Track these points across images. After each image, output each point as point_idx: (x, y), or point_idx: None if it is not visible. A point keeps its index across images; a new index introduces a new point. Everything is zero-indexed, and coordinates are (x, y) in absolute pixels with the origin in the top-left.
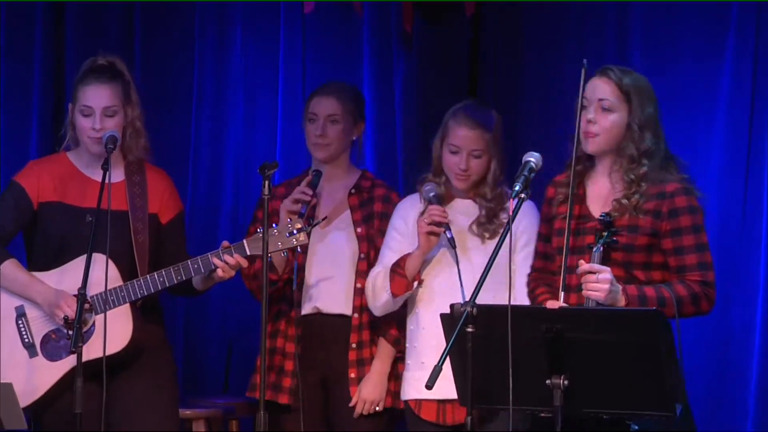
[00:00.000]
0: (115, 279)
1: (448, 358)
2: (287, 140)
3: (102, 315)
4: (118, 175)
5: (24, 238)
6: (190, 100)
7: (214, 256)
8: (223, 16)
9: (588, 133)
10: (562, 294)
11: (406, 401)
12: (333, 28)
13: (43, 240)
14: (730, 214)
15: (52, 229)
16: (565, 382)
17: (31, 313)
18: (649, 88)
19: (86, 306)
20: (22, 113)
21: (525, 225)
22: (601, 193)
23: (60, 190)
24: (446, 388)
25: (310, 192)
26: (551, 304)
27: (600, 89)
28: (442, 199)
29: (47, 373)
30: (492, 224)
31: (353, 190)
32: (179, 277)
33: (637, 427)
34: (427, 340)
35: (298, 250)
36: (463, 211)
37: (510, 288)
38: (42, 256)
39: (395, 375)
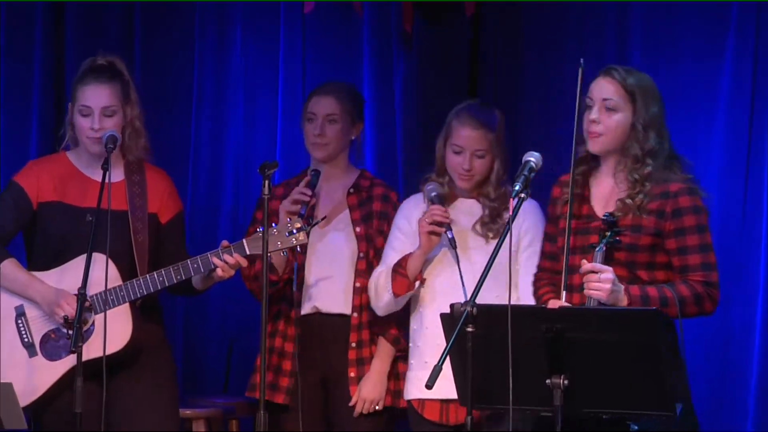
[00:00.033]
0: (115, 279)
1: (448, 358)
2: (287, 140)
3: (101, 314)
4: (117, 174)
5: (24, 238)
6: (190, 100)
7: (214, 256)
8: (223, 16)
9: (592, 132)
10: (564, 293)
11: (409, 401)
12: (333, 28)
13: (43, 240)
14: (730, 214)
15: (51, 229)
16: (565, 382)
17: (31, 312)
18: (654, 88)
19: (86, 305)
20: (22, 113)
21: (528, 225)
22: (605, 193)
23: (60, 190)
24: (449, 388)
25: (309, 192)
26: (553, 304)
27: (604, 89)
28: (444, 199)
29: (47, 373)
30: (495, 224)
31: (352, 190)
32: (179, 277)
33: (636, 428)
34: (431, 339)
35: (298, 249)
36: (466, 211)
37: (510, 287)
38: (42, 256)
39: (395, 374)
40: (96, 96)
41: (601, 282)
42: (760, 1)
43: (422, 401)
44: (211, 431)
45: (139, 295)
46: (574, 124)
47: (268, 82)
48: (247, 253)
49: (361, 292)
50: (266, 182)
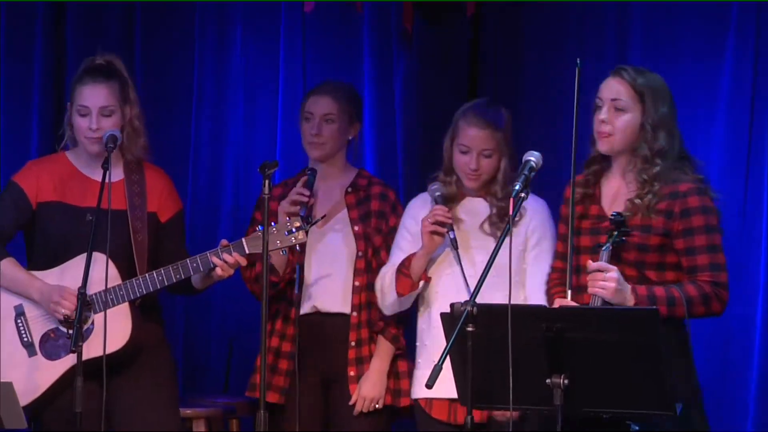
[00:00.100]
0: (114, 278)
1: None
2: (287, 140)
3: (100, 314)
4: (117, 174)
5: (24, 238)
6: (190, 100)
7: (213, 255)
8: (223, 16)
9: (601, 133)
10: (569, 292)
11: (416, 400)
12: (333, 27)
13: (43, 240)
14: (730, 214)
15: (51, 228)
16: (565, 382)
17: (30, 312)
18: (664, 88)
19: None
20: (22, 113)
21: (536, 224)
22: (615, 193)
23: (59, 190)
24: None
25: (307, 193)
26: (559, 302)
27: (613, 89)
28: (448, 199)
29: (46, 372)
30: (503, 223)
31: (350, 189)
32: (178, 276)
33: (637, 428)
34: (439, 338)
35: (297, 248)
36: (474, 210)
37: (510, 286)
38: (42, 256)
39: (394, 373)
40: (94, 96)
41: (606, 281)
42: (760, 1)
43: (430, 400)
44: (211, 431)
45: (138, 295)
46: (574, 124)
47: (268, 82)
48: (246, 252)
49: (360, 291)
50: (266, 182)
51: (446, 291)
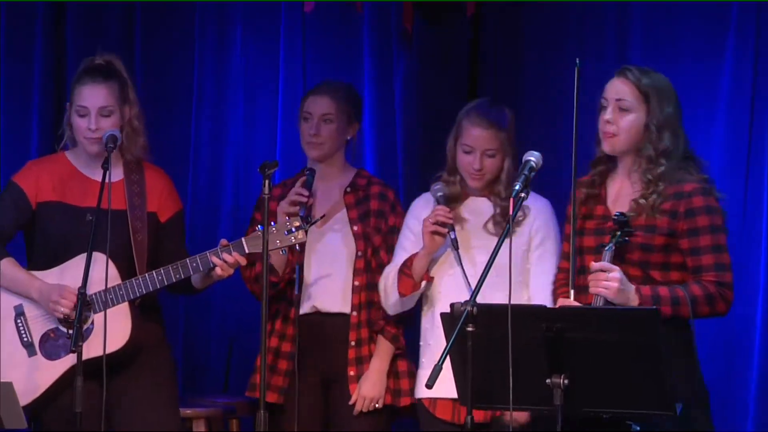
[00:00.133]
0: (114, 278)
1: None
2: (287, 140)
3: (100, 314)
4: (116, 174)
5: (24, 238)
6: (190, 100)
7: (213, 255)
8: (223, 16)
9: (606, 133)
10: (572, 292)
11: (419, 399)
12: (333, 27)
13: (43, 240)
14: (730, 214)
15: (51, 228)
16: (565, 382)
17: (30, 312)
18: (670, 88)
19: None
20: (22, 113)
21: (540, 224)
22: (621, 194)
23: (59, 190)
24: None
25: (306, 193)
26: (562, 302)
27: (618, 89)
28: (450, 199)
29: (46, 372)
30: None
31: (349, 189)
32: (178, 276)
33: (639, 428)
34: (442, 338)
35: (297, 248)
36: (478, 210)
37: (510, 286)
38: (42, 256)
39: (394, 372)
40: (92, 96)
41: (608, 281)
42: (760, 1)
43: (434, 400)
44: (211, 431)
45: (138, 294)
46: (574, 124)
47: (268, 82)
48: (246, 251)
49: (360, 291)
50: (266, 182)
51: (449, 291)
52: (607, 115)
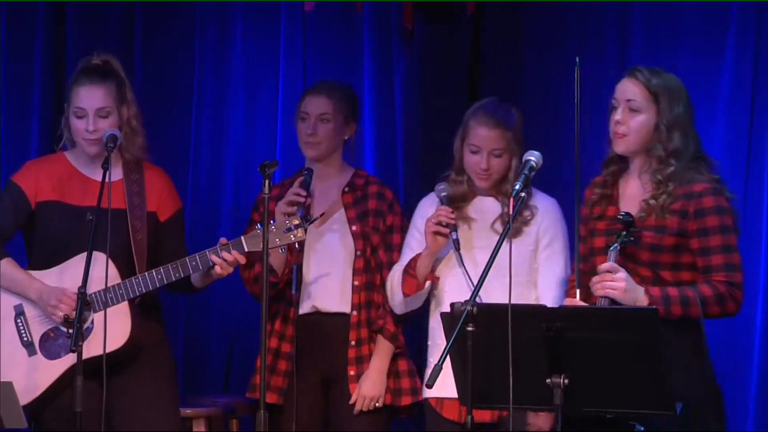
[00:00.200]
0: (114, 277)
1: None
2: (287, 140)
3: (100, 313)
4: (116, 173)
5: (24, 237)
6: (190, 100)
7: (212, 253)
8: (223, 15)
9: (616, 133)
10: (578, 292)
11: (426, 399)
12: (333, 26)
13: (43, 239)
14: None
15: (51, 228)
16: (565, 381)
17: (30, 311)
18: (680, 88)
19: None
20: (22, 113)
21: (547, 224)
22: (632, 194)
23: (59, 190)
24: None
25: (304, 193)
26: (568, 302)
27: (628, 90)
28: (455, 200)
29: (46, 372)
30: (515, 222)
31: (347, 188)
32: (177, 275)
33: (643, 428)
34: None
35: (296, 247)
36: (485, 209)
37: (510, 286)
38: (41, 256)
39: (394, 372)
40: (90, 97)
41: (614, 281)
42: (760, 1)
43: (441, 400)
44: (211, 431)
45: (137, 293)
46: (576, 124)
47: (269, 82)
48: (246, 250)
49: (359, 290)
50: (266, 181)
51: (455, 291)
52: (618, 115)
